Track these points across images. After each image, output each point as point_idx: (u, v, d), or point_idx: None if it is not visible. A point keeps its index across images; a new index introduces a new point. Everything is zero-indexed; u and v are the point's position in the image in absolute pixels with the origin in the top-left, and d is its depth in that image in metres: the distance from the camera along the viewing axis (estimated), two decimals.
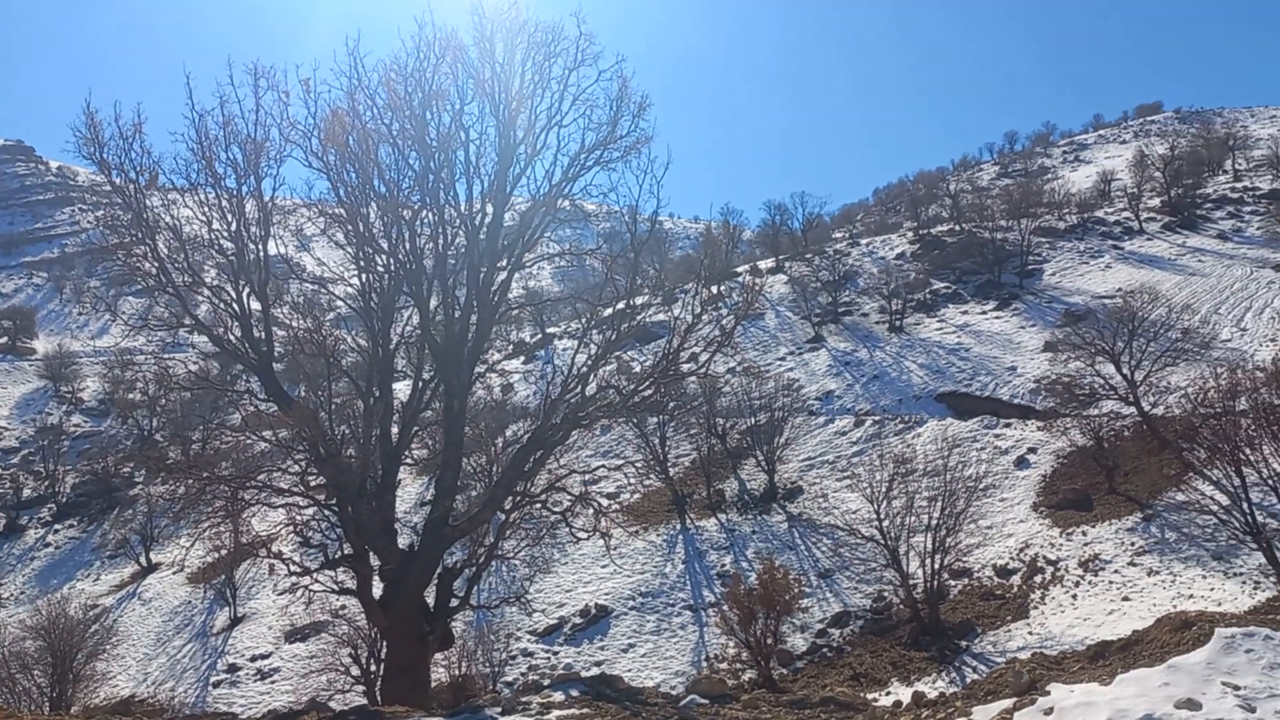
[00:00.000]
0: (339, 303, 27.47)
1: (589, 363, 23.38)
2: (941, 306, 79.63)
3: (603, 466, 33.87)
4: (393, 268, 22.93)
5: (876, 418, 60.30)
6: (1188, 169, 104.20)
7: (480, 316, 22.99)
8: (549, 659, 41.79)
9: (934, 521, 37.45)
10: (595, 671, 36.52)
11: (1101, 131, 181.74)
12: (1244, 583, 33.65)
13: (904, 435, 57.00)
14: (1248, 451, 28.77)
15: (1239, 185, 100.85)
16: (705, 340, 24.67)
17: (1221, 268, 74.91)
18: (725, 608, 37.15)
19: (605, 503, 34.28)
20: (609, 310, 25.93)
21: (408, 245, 22.65)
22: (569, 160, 23.28)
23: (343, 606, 42.46)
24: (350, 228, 22.94)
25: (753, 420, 56.95)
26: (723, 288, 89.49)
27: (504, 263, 23.34)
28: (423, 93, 21.71)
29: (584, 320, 26.47)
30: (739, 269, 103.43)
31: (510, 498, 23.39)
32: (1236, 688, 12.34)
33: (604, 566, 46.52)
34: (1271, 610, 29.11)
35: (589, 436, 60.96)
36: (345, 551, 22.54)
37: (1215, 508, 30.27)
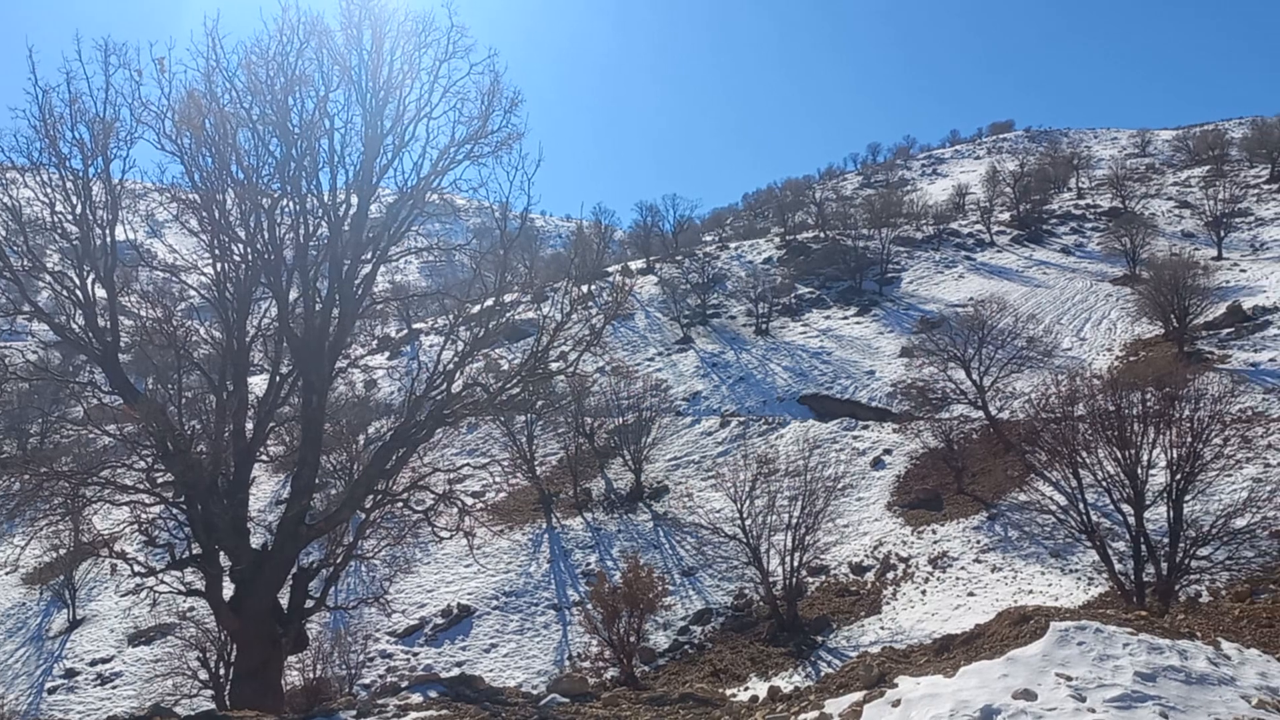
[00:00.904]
0: (192, 292, 26.38)
1: (456, 359, 23.07)
2: (806, 311, 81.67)
3: (468, 465, 33.51)
4: (250, 257, 22.12)
5: (742, 419, 61.40)
6: (1035, 185, 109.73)
7: (342, 310, 22.44)
8: (409, 660, 41.03)
9: (794, 520, 38.38)
10: (456, 672, 35.97)
11: (958, 146, 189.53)
12: (1079, 579, 35.68)
13: (767, 436, 58.22)
14: (1084, 455, 30.32)
15: (1082, 203, 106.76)
16: (574, 339, 24.69)
17: (1064, 280, 79.16)
18: (589, 606, 37.15)
19: (470, 501, 33.98)
20: (477, 307, 25.64)
21: (266, 234, 21.91)
22: (438, 153, 22.94)
23: (191, 608, 40.84)
24: (205, 214, 22.02)
25: (621, 420, 57.20)
26: (593, 287, 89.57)
27: (368, 255, 22.83)
28: (285, 77, 21.03)
29: (452, 316, 26.08)
30: (610, 269, 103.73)
31: (371, 496, 22.91)
32: (1069, 678, 13.04)
33: (467, 566, 45.95)
34: (1103, 605, 30.90)
35: (455, 434, 60.14)
36: (194, 551, 21.67)
37: (1054, 508, 31.84)
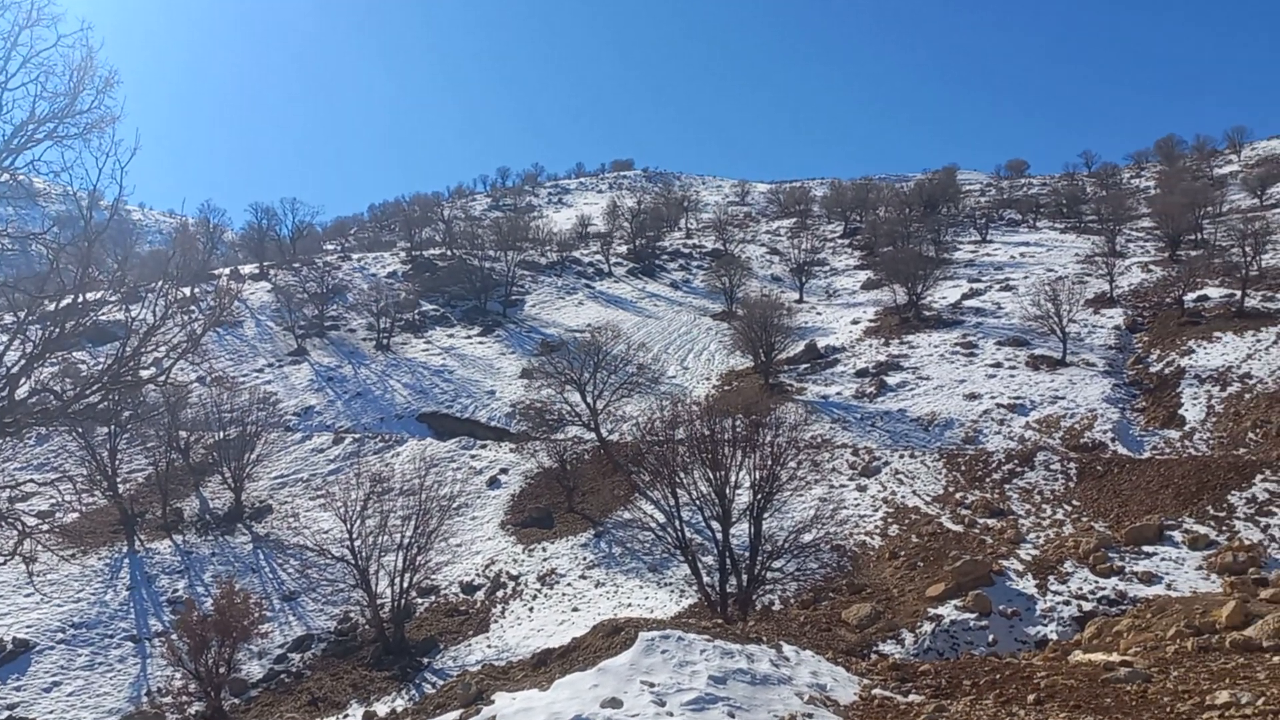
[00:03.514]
0: None
1: (23, 361, 20.29)
2: (430, 328, 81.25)
3: (32, 481, 29.32)
4: None
5: (357, 435, 59.63)
6: (650, 223, 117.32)
7: None
8: None
9: (406, 540, 37.80)
10: (4, 716, 31.77)
11: (583, 179, 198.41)
12: (673, 591, 38.25)
13: (383, 454, 56.96)
14: (682, 475, 32.71)
15: (689, 242, 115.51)
16: (171, 345, 22.61)
17: (672, 313, 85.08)
18: (175, 636, 34.25)
19: (34, 522, 29.97)
20: (54, 304, 22.76)
21: None
22: (13, 129, 20.11)
23: None
24: None
25: (222, 434, 53.36)
26: (197, 290, 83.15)
27: None
28: None
29: (20, 313, 22.94)
30: (218, 271, 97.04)
31: None
32: (652, 685, 13.86)
33: (28, 596, 40.43)
34: (692, 615, 33.34)
35: (19, 446, 53.04)
36: None
37: (654, 525, 34.01)
